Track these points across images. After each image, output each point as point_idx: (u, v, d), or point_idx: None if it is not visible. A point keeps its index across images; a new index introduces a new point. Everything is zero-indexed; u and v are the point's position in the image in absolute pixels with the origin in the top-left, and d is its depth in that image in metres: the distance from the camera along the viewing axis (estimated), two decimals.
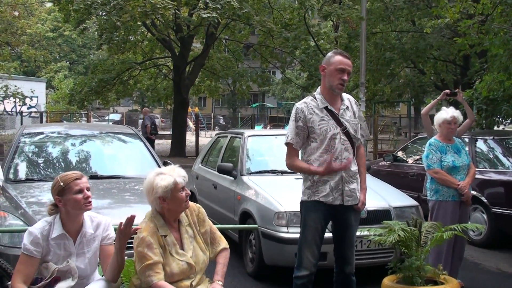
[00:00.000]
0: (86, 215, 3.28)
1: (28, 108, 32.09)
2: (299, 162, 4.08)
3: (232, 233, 6.59)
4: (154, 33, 20.23)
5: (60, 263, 3.13)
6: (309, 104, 4.04)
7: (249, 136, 7.31)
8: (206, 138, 30.30)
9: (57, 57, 49.23)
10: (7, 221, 4.49)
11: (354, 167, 4.05)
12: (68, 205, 3.15)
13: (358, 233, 4.26)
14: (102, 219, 3.34)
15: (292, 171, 6.03)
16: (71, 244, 3.18)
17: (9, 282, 3.15)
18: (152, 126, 17.58)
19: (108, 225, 3.34)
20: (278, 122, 39.32)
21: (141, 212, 3.60)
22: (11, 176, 5.60)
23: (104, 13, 16.88)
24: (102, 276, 3.28)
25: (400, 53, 17.51)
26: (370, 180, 5.36)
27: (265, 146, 7.57)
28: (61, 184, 3.14)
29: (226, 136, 8.12)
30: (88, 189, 3.21)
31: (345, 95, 4.16)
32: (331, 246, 4.25)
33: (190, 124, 33.85)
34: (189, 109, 30.40)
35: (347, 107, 4.10)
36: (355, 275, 4.19)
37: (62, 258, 3.15)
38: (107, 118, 40.26)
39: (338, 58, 3.99)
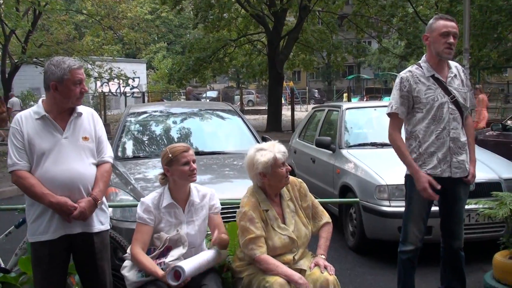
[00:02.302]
0: (192, 185, 3.44)
1: (131, 89, 33.65)
2: (401, 143, 3.88)
3: (332, 207, 6.55)
4: (247, 9, 20.34)
5: (172, 231, 3.29)
6: (414, 73, 3.87)
7: (347, 108, 7.19)
8: (301, 112, 30.29)
9: (156, 38, 51.04)
10: (118, 197, 4.75)
11: (463, 138, 3.85)
12: (175, 175, 3.32)
13: (466, 207, 4.05)
14: (206, 190, 3.49)
15: None
16: (180, 213, 3.35)
17: (125, 254, 3.35)
18: None
19: (213, 195, 3.48)
20: (375, 93, 38.33)
21: (241, 187, 3.67)
22: (119, 154, 5.89)
23: None
24: (208, 248, 3.40)
25: (508, 14, 16.34)
26: (478, 150, 5.06)
27: (363, 118, 7.41)
28: (170, 155, 3.32)
29: (323, 110, 8.04)
30: (194, 161, 3.37)
31: (452, 63, 3.96)
32: (436, 220, 4.11)
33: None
34: (284, 83, 30.40)
35: (455, 75, 3.90)
36: (463, 250, 4.02)
37: (174, 226, 3.31)
38: (204, 95, 41.37)
39: (441, 22, 3.79)
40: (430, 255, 4.64)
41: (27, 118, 3.16)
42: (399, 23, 18.88)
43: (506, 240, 4.21)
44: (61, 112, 3.18)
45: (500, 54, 21.01)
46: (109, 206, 3.59)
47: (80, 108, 3.26)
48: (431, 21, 3.92)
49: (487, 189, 5.19)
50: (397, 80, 3.95)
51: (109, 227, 3.39)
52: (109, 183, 3.46)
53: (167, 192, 3.35)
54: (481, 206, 4.46)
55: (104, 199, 3.32)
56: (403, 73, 3.93)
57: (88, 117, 3.30)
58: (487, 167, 5.61)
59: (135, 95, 34.94)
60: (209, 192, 3.48)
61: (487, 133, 9.75)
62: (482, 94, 14.12)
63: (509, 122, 9.43)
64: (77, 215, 3.07)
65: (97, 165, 3.27)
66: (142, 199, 3.41)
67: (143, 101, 29.50)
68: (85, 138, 3.22)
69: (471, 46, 15.91)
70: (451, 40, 3.76)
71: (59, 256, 3.15)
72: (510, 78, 37.37)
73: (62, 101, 3.14)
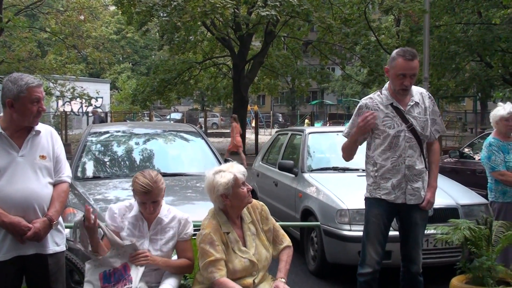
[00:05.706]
0: (166, 205, 3.39)
1: (93, 109, 33.27)
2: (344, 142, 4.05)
3: (293, 231, 6.55)
4: (213, 33, 20.45)
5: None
6: (375, 100, 3.96)
7: (309, 133, 7.25)
8: (265, 136, 30.42)
9: (120, 58, 50.71)
10: (76, 218, 4.63)
11: (419, 165, 3.91)
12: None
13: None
14: (178, 214, 3.41)
15: (353, 169, 6.00)
16: (145, 227, 3.31)
17: (86, 279, 3.25)
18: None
19: (185, 220, 3.39)
20: (338, 119, 38.82)
21: (203, 209, 3.63)
22: (79, 174, 5.78)
23: (165, 15, 17.23)
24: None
25: (466, 46, 16.91)
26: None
27: (326, 143, 7.48)
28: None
29: (287, 134, 8.10)
30: None
31: (418, 89, 4.02)
32: (396, 244, 4.15)
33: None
34: (248, 107, 30.54)
35: (416, 103, 3.95)
36: (422, 274, 4.06)
37: (137, 239, 3.27)
38: (168, 117, 41.13)
39: (399, 62, 3.80)
40: (391, 279, 4.67)
41: None
42: (362, 51, 19.23)
43: (463, 265, 4.27)
44: (18, 129, 3.10)
45: (458, 83, 21.67)
46: (66, 227, 3.49)
47: (39, 126, 3.19)
48: (393, 54, 3.94)
49: (445, 214, 5.29)
50: (358, 106, 4.04)
51: (64, 249, 3.31)
52: (66, 203, 3.38)
53: (136, 205, 3.32)
54: (438, 231, 4.52)
55: (60, 219, 3.24)
56: (364, 100, 4.03)
57: (46, 135, 3.23)
58: (445, 193, 5.71)
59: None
60: (180, 215, 3.39)
61: (445, 160, 9.97)
62: (234, 123, 16.73)
63: (466, 149, 9.67)
64: (31, 236, 2.98)
65: (54, 184, 3.19)
66: (110, 205, 3.42)
67: (106, 121, 29.10)
68: (42, 157, 3.14)
69: (430, 75, 16.37)
70: (407, 82, 3.81)
71: (10, 278, 3.04)
72: (468, 107, 38.52)
73: (19, 119, 3.06)
